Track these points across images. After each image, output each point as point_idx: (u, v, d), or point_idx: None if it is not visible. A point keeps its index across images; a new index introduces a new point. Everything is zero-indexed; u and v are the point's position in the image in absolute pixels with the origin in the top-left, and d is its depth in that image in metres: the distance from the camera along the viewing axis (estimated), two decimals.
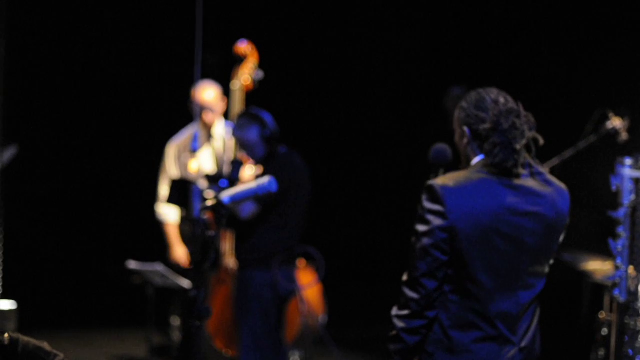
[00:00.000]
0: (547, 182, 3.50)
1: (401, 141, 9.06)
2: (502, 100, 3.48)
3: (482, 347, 3.40)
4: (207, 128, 6.86)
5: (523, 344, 3.45)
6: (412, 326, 3.40)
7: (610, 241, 4.80)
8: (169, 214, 6.99)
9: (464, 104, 3.54)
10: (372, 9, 9.11)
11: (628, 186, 4.76)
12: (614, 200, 4.85)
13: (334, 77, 9.39)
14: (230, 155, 6.42)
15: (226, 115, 6.88)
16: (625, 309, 4.89)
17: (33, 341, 3.15)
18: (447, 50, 8.53)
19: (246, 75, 6.59)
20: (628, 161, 4.80)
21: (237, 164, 5.62)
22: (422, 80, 8.21)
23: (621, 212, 4.77)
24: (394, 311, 3.46)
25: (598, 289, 6.19)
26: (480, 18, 8.24)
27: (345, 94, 9.41)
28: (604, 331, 5.68)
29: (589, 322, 7.02)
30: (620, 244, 4.78)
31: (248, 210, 5.57)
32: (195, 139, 5.62)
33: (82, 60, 9.46)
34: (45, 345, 3.17)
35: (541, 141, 3.47)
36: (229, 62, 6.76)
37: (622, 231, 4.78)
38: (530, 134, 3.45)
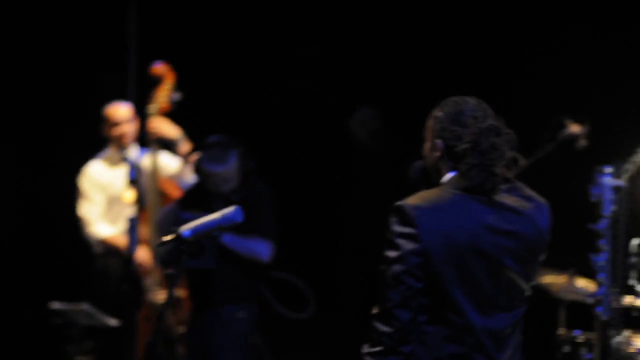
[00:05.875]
0: (527, 198, 3.23)
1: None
2: (481, 114, 3.19)
3: None
4: (123, 147, 6.53)
5: None
6: None
7: (591, 256, 4.57)
8: (101, 229, 6.62)
9: (438, 113, 3.24)
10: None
11: (609, 196, 4.54)
12: (591, 211, 4.64)
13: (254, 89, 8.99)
14: (150, 182, 6.12)
15: (140, 140, 6.58)
16: (605, 327, 4.68)
17: None
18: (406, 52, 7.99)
19: (163, 97, 6.32)
20: (608, 169, 4.58)
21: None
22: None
23: (602, 224, 4.55)
24: (365, 349, 3.15)
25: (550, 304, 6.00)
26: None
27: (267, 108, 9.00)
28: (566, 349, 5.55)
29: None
30: (602, 259, 4.55)
31: (266, 250, 5.25)
32: (132, 167, 5.22)
33: None
34: None
35: (521, 161, 3.19)
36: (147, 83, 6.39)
37: (604, 244, 4.56)
38: (510, 154, 3.16)
